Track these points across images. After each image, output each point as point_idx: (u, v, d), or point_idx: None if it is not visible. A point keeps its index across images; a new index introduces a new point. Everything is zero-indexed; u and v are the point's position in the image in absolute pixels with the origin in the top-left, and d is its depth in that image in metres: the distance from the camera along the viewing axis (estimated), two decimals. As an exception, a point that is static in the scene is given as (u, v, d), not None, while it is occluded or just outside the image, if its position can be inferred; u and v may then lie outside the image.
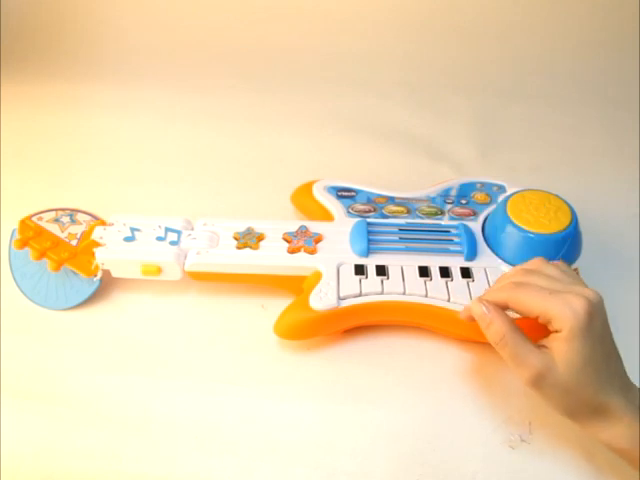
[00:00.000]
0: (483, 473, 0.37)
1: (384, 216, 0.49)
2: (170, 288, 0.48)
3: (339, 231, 0.47)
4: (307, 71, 0.77)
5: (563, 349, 0.33)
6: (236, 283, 0.47)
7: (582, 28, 0.81)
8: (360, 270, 0.44)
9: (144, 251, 0.45)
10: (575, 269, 0.44)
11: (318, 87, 0.74)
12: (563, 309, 0.32)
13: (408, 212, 0.49)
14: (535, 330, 0.35)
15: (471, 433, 0.39)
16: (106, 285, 0.48)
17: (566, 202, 0.48)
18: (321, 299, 0.42)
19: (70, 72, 0.77)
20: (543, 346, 0.34)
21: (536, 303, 0.34)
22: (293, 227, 0.47)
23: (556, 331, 0.33)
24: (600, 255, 0.51)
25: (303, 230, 0.47)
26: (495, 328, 0.35)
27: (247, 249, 0.45)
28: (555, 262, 0.38)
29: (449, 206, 0.50)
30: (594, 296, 0.33)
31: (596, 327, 0.33)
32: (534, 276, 0.36)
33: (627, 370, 0.36)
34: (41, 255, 0.44)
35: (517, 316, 0.37)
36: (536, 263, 0.38)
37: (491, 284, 0.43)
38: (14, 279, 0.46)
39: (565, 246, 0.43)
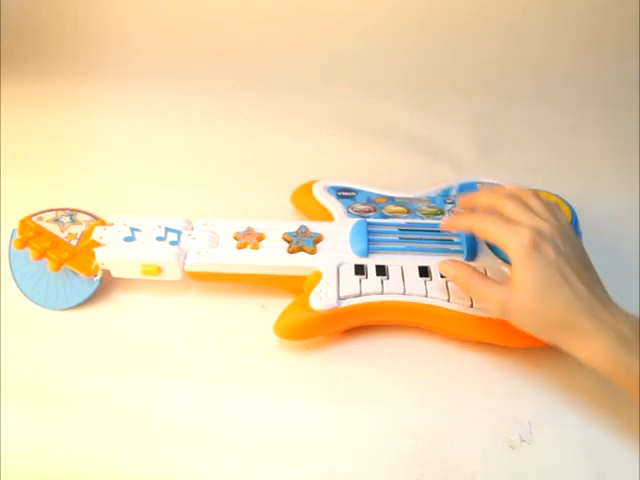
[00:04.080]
0: (483, 473, 0.37)
1: (384, 216, 0.49)
2: (170, 288, 0.48)
3: (339, 231, 0.47)
4: (307, 71, 0.77)
5: (516, 275, 0.37)
6: (236, 283, 0.47)
7: (582, 28, 0.81)
8: (360, 270, 0.44)
9: (144, 251, 0.45)
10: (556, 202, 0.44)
11: (318, 87, 0.74)
12: (512, 239, 0.37)
13: (408, 212, 0.49)
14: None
15: (471, 433, 0.39)
16: (106, 285, 0.48)
17: (566, 202, 0.48)
18: (321, 299, 0.42)
19: (70, 72, 0.77)
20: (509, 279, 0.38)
21: (492, 233, 0.38)
22: (293, 227, 0.47)
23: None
24: (600, 255, 0.51)
25: (303, 230, 0.47)
26: (460, 279, 0.40)
27: (247, 249, 0.45)
28: (540, 193, 0.41)
29: (449, 206, 0.50)
30: (546, 226, 0.37)
31: (546, 254, 0.36)
32: (508, 202, 0.39)
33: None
34: (41, 255, 0.44)
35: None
36: (522, 191, 0.41)
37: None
38: (14, 279, 0.46)
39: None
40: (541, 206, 0.39)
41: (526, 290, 0.36)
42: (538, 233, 0.37)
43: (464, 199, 0.43)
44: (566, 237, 0.38)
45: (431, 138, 0.66)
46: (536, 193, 0.41)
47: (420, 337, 0.44)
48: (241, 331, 0.45)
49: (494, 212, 0.40)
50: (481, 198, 0.42)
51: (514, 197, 0.40)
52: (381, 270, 0.44)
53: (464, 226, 0.41)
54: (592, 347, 0.35)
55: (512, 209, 0.39)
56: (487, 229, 0.39)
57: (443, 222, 0.43)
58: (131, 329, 0.45)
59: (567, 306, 0.35)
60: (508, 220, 0.38)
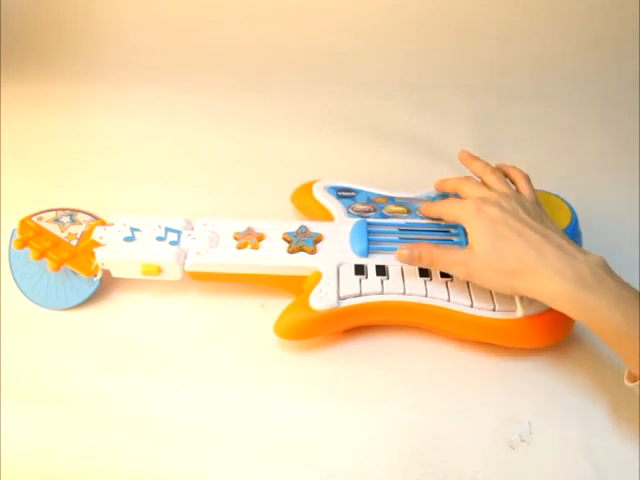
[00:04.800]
0: (483, 473, 0.37)
1: (384, 216, 0.49)
2: (170, 288, 0.48)
3: (339, 231, 0.47)
4: (307, 71, 0.77)
5: (471, 238, 0.40)
6: (236, 283, 0.47)
7: (582, 28, 0.81)
8: (360, 270, 0.44)
9: (144, 251, 0.45)
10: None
11: (318, 87, 0.74)
12: (461, 212, 0.42)
13: (408, 212, 0.49)
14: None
15: (471, 433, 0.39)
16: (106, 285, 0.48)
17: (566, 202, 0.48)
18: (321, 299, 0.42)
19: (70, 72, 0.77)
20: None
21: (449, 214, 0.43)
22: (293, 227, 0.47)
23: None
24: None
25: (303, 230, 0.47)
26: (424, 255, 0.42)
27: (247, 249, 0.45)
28: (501, 168, 0.46)
29: (449, 206, 0.50)
30: (489, 194, 0.42)
31: (489, 213, 0.40)
32: (467, 183, 0.44)
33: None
34: (41, 255, 0.44)
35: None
36: (483, 170, 0.45)
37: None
38: (14, 279, 0.46)
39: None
40: (495, 180, 0.44)
41: (480, 248, 0.39)
42: (481, 200, 0.41)
43: (438, 186, 0.49)
44: (515, 200, 0.41)
45: (431, 138, 0.66)
46: (495, 170, 0.45)
47: (420, 337, 0.44)
48: (241, 331, 0.45)
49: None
50: (446, 184, 0.47)
51: (469, 178, 0.45)
52: (381, 270, 0.44)
53: (434, 215, 0.47)
54: (550, 288, 0.36)
55: (466, 188, 0.44)
56: (445, 213, 0.44)
57: (421, 209, 0.48)
58: (131, 329, 0.45)
59: (520, 253, 0.38)
60: (460, 200, 0.43)
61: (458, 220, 0.42)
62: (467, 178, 0.45)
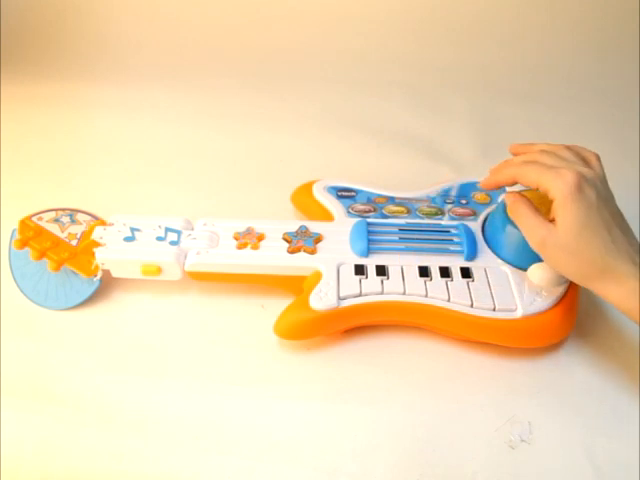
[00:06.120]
0: (483, 473, 0.37)
1: (384, 216, 0.49)
2: (170, 288, 0.48)
3: (339, 231, 0.47)
4: (307, 71, 0.77)
5: (559, 215, 0.37)
6: (236, 283, 0.47)
7: (582, 28, 0.81)
8: (360, 270, 0.44)
9: (144, 251, 0.45)
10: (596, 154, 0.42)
11: (318, 87, 0.74)
12: (555, 180, 0.37)
13: (408, 212, 0.49)
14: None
15: (471, 433, 0.39)
16: (106, 285, 0.48)
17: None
18: (321, 299, 0.42)
19: (70, 72, 0.77)
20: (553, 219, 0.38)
21: (535, 176, 0.38)
22: (293, 227, 0.47)
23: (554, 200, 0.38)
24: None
25: (303, 230, 0.47)
26: (510, 202, 0.41)
27: (247, 249, 0.45)
28: (573, 145, 0.42)
29: (449, 206, 0.50)
30: (589, 172, 0.38)
31: (588, 196, 0.37)
32: (545, 155, 0.40)
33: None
34: (41, 255, 0.44)
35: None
36: (555, 146, 0.41)
37: (491, 284, 0.43)
38: (14, 279, 0.46)
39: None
40: (575, 157, 0.40)
41: (567, 229, 0.37)
42: (581, 175, 0.37)
43: (488, 182, 0.43)
44: (605, 185, 0.40)
45: (431, 138, 0.66)
46: (568, 146, 0.41)
47: (420, 337, 0.44)
48: (241, 331, 0.45)
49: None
50: (499, 176, 0.42)
51: (549, 152, 0.40)
52: (381, 270, 0.44)
53: (506, 178, 0.41)
54: (626, 289, 0.36)
55: (551, 160, 0.39)
56: (530, 175, 0.39)
57: (483, 182, 0.43)
58: (131, 329, 0.45)
59: (605, 249, 0.36)
60: (550, 166, 0.38)
61: (544, 187, 0.38)
62: (543, 151, 0.40)
